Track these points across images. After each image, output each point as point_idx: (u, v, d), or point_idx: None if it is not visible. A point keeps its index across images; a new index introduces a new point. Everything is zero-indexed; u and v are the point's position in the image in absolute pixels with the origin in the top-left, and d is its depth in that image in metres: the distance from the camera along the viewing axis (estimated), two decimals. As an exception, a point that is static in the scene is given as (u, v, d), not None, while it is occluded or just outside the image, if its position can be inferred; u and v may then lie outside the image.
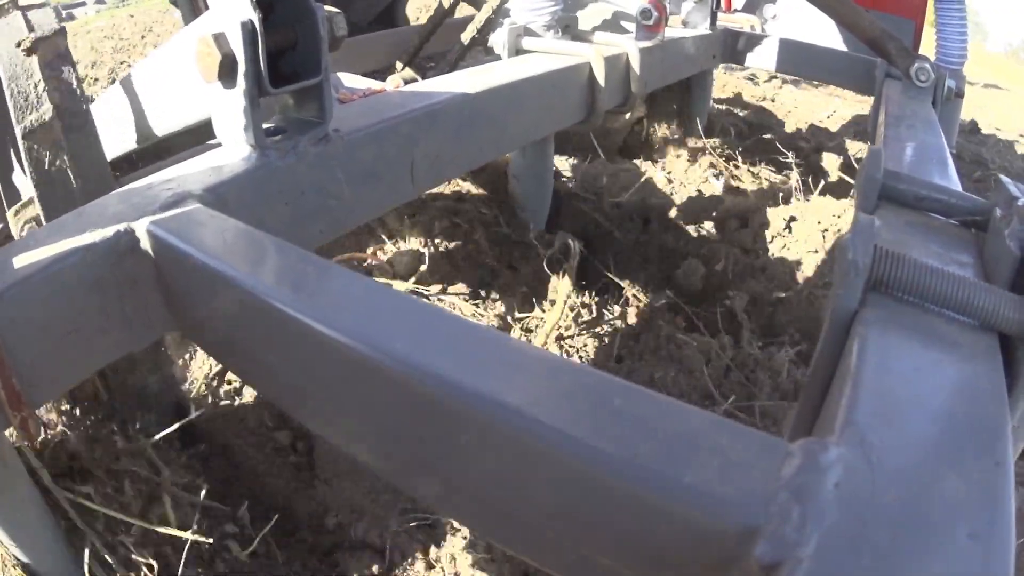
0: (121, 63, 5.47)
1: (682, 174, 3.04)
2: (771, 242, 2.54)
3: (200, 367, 1.69)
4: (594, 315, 2.09)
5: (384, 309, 0.82)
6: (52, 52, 1.20)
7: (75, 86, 1.22)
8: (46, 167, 1.18)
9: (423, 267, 2.05)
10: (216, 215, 1.05)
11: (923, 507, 0.54)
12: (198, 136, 1.48)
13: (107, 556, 1.18)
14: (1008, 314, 0.81)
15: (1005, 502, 0.56)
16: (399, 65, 2.56)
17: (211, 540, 1.29)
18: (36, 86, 1.18)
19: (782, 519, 0.52)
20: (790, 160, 2.96)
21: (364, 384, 0.79)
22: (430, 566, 1.40)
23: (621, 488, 0.59)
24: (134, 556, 1.20)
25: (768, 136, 3.45)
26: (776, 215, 2.59)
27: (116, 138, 1.58)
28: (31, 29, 1.20)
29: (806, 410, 0.90)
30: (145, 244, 1.01)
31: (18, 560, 1.09)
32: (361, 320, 0.80)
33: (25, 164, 1.18)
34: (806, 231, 2.48)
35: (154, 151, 1.65)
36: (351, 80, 1.85)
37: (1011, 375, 0.81)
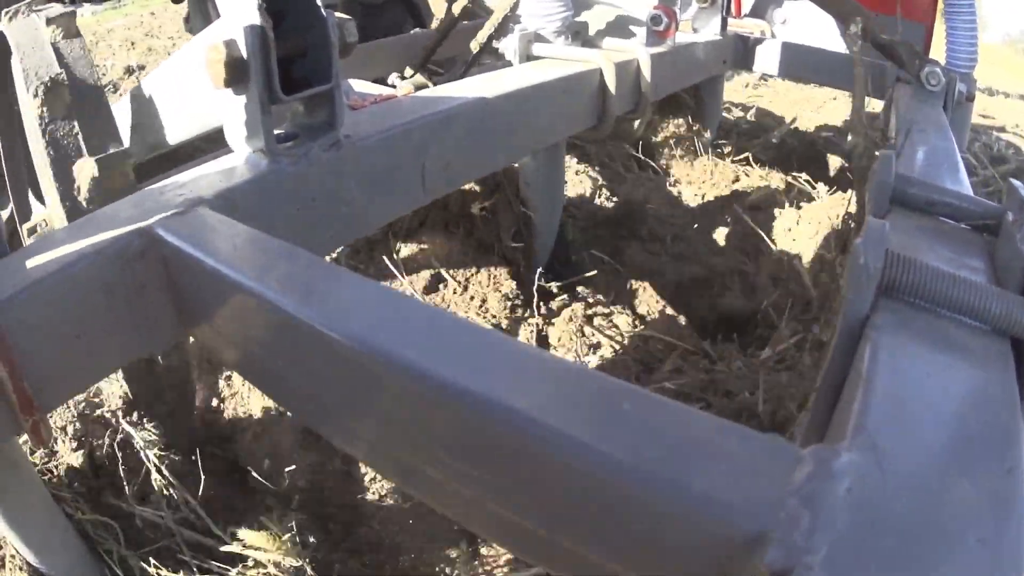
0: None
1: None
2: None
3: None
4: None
5: (394, 315, 0.82)
6: (62, 27, 1.22)
7: (83, 54, 1.24)
8: (66, 162, 1.19)
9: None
10: (227, 220, 1.05)
11: (934, 513, 0.54)
12: (213, 143, 1.48)
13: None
14: (1020, 318, 0.81)
15: (1016, 509, 0.55)
16: (409, 71, 2.56)
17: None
18: (45, 56, 1.20)
19: (792, 525, 0.52)
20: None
21: (374, 390, 0.79)
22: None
23: (630, 493, 0.58)
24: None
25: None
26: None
27: (130, 145, 1.59)
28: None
29: (818, 415, 0.89)
30: (156, 249, 1.02)
31: (28, 563, 1.10)
32: (371, 326, 0.80)
33: (47, 163, 1.18)
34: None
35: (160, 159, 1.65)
36: (362, 86, 1.85)
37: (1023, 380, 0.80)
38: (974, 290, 0.82)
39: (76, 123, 1.19)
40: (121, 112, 1.61)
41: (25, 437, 0.94)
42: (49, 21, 1.21)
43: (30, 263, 0.95)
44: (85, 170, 1.17)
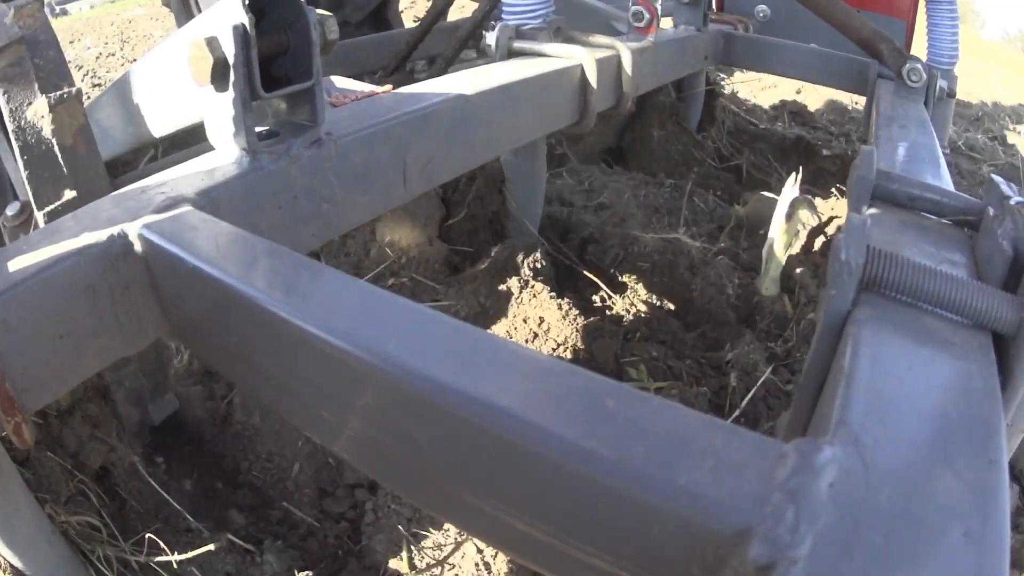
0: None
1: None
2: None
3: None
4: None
5: (377, 312, 0.82)
6: (72, 125, 1.20)
7: (98, 168, 1.23)
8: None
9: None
10: (209, 219, 1.05)
11: (917, 507, 0.54)
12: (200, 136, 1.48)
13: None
14: (1001, 313, 0.81)
15: (999, 501, 0.56)
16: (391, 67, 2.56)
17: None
18: (59, 166, 1.19)
19: (776, 520, 0.52)
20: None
21: (357, 387, 0.79)
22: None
23: (614, 490, 0.59)
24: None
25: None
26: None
27: (111, 140, 1.58)
28: (37, 69, 1.18)
29: (800, 410, 0.90)
30: (138, 248, 1.01)
31: (12, 565, 1.09)
32: (354, 323, 0.79)
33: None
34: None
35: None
36: (343, 83, 1.85)
37: (1004, 373, 0.81)
38: (955, 285, 0.83)
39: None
40: (102, 107, 1.60)
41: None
42: (51, 105, 1.17)
43: (11, 264, 0.94)
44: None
